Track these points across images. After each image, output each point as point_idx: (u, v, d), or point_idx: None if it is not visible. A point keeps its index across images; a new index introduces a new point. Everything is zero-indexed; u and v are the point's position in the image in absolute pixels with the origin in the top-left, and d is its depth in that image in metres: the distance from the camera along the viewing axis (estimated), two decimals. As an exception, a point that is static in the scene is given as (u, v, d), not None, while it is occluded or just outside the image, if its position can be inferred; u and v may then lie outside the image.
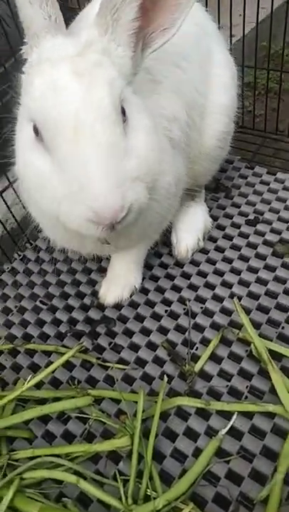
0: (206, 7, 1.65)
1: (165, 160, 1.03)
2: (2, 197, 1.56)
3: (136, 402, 1.10)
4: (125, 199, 0.79)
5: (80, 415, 1.15)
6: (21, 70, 0.93)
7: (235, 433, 1.07)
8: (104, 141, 0.78)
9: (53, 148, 0.81)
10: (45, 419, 1.17)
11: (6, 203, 1.58)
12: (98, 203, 0.77)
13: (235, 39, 1.98)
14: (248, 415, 1.09)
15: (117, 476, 1.01)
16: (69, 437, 1.14)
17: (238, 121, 1.79)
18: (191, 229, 1.49)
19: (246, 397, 1.13)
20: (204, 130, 1.30)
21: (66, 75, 0.80)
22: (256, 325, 1.25)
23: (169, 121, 1.10)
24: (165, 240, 1.54)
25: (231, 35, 1.83)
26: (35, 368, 1.30)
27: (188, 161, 1.26)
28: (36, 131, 0.84)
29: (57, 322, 1.41)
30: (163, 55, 0.95)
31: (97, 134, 0.78)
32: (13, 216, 1.62)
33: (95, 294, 1.47)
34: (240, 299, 1.33)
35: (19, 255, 1.64)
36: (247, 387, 1.15)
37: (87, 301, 1.46)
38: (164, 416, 1.12)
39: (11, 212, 1.61)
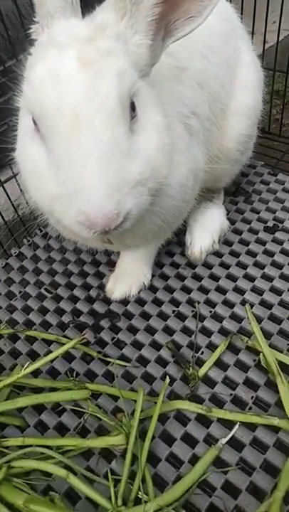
0: (242, 12, 1.65)
1: (180, 150, 0.99)
2: (16, 180, 1.55)
3: (134, 401, 1.07)
4: (122, 206, 0.73)
5: (76, 408, 1.12)
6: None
7: (235, 444, 1.04)
8: (104, 140, 0.72)
9: (50, 143, 0.77)
10: (39, 408, 1.15)
11: (19, 187, 1.57)
12: (91, 209, 0.71)
13: (268, 45, 1.98)
14: (251, 427, 1.06)
15: (109, 475, 0.98)
16: (62, 430, 1.11)
17: (263, 127, 1.78)
18: (207, 230, 1.47)
19: (250, 408, 1.10)
20: (226, 131, 1.28)
21: (72, 63, 0.74)
22: (267, 335, 1.22)
23: (188, 111, 1.07)
24: (178, 239, 1.52)
25: (265, 41, 1.83)
26: (33, 356, 1.28)
27: (207, 155, 1.23)
28: (35, 121, 0.80)
29: (60, 312, 1.39)
30: (190, 43, 0.90)
31: (97, 132, 0.72)
32: (26, 201, 1.61)
33: (101, 287, 1.45)
34: (252, 306, 1.30)
35: (28, 241, 1.63)
36: (252, 397, 1.12)
37: (93, 293, 1.44)
38: (163, 418, 1.09)
39: (24, 196, 1.59)
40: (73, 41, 0.78)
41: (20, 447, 1.04)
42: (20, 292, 1.48)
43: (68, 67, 0.74)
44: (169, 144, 0.87)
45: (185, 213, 1.24)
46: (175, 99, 1.01)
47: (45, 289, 1.47)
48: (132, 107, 0.79)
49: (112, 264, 1.48)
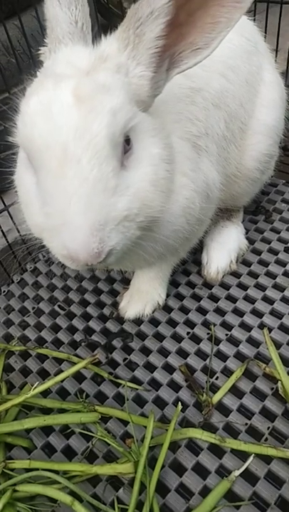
0: (266, 30, 1.66)
1: (184, 172, 0.99)
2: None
3: (145, 427, 1.06)
4: (105, 243, 0.75)
5: (84, 432, 1.12)
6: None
7: (249, 477, 1.01)
8: (90, 178, 0.73)
9: (39, 176, 0.79)
10: (47, 430, 1.15)
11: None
12: (73, 245, 0.74)
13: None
14: (266, 459, 1.03)
15: (115, 503, 0.97)
16: (70, 453, 1.11)
17: (286, 145, 1.77)
18: (224, 249, 1.46)
19: (266, 440, 1.07)
20: (245, 150, 1.28)
21: (66, 97, 0.75)
22: (286, 361, 1.19)
23: (199, 132, 1.07)
24: (195, 258, 1.51)
25: (289, 59, 1.84)
26: (44, 374, 1.29)
27: (224, 174, 1.24)
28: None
29: (72, 329, 1.40)
30: (208, 62, 0.90)
31: (84, 170, 0.73)
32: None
33: (115, 305, 1.45)
34: (270, 330, 1.28)
35: (44, 256, 1.65)
36: (268, 428, 1.09)
37: (106, 311, 1.44)
38: (174, 446, 1.08)
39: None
40: (72, 73, 0.80)
41: (27, 470, 1.04)
42: (33, 308, 1.49)
43: (62, 102, 0.75)
44: (165, 176, 0.87)
45: (199, 233, 1.24)
46: (184, 119, 1.02)
47: (59, 306, 1.49)
48: (127, 142, 0.81)
49: (126, 282, 1.49)
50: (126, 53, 0.82)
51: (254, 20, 1.36)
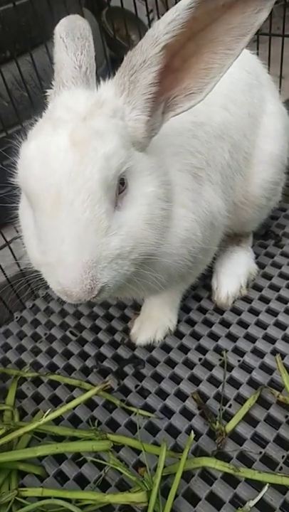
0: (269, 57, 1.75)
1: (183, 204, 1.02)
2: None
3: (158, 456, 1.07)
4: (97, 280, 0.79)
5: (97, 460, 1.13)
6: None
7: (264, 507, 1.01)
8: (82, 220, 0.78)
9: (35, 216, 0.84)
10: (59, 458, 1.16)
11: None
12: (67, 283, 0.79)
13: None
14: (282, 489, 1.03)
15: (129, 534, 0.97)
16: (82, 482, 1.12)
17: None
18: (233, 275, 1.49)
19: (281, 469, 1.07)
20: (251, 178, 1.33)
21: (62, 142, 0.80)
22: (299, 388, 1.20)
23: (200, 164, 1.10)
24: (205, 283, 1.54)
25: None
26: (56, 401, 1.31)
27: (231, 202, 1.28)
28: None
29: (84, 355, 1.43)
30: (210, 97, 0.96)
31: (76, 212, 0.77)
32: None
33: (126, 331, 1.48)
34: (283, 356, 1.29)
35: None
36: (283, 457, 1.09)
37: (117, 337, 1.47)
38: (187, 476, 1.08)
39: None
40: (69, 118, 0.85)
41: (39, 498, 1.05)
42: (45, 334, 1.53)
43: (58, 147, 0.80)
44: (160, 213, 0.91)
45: (206, 260, 1.27)
46: (184, 152, 1.06)
47: (70, 332, 1.52)
48: (122, 182, 0.85)
49: (137, 308, 1.52)
50: (122, 98, 0.88)
51: (257, 53, 1.44)
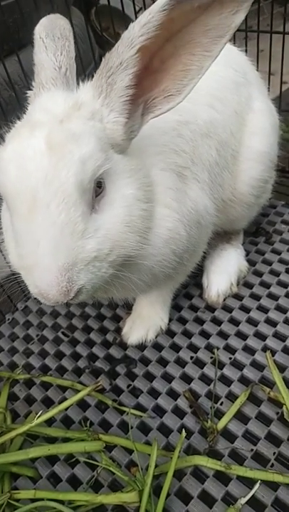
0: (258, 54, 1.74)
1: (166, 204, 1.01)
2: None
3: (150, 455, 1.07)
4: (73, 283, 0.80)
5: (89, 461, 1.13)
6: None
7: (256, 504, 1.01)
8: (58, 223, 0.78)
9: (12, 220, 0.84)
10: (52, 459, 1.16)
11: None
12: (43, 286, 0.79)
13: (286, 86, 2.05)
14: (273, 486, 1.03)
15: (121, 534, 0.98)
16: (75, 483, 1.12)
17: (284, 166, 1.82)
18: (224, 272, 1.49)
19: (272, 465, 1.08)
20: (238, 175, 1.32)
21: (39, 145, 0.79)
22: (290, 385, 1.20)
23: (184, 163, 1.10)
24: (196, 281, 1.54)
25: (282, 82, 1.91)
26: (48, 403, 1.31)
27: (220, 199, 1.28)
28: None
29: (76, 356, 1.43)
30: (196, 95, 0.94)
31: (52, 215, 0.78)
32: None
33: (118, 330, 1.48)
34: (274, 353, 1.29)
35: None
36: (274, 454, 1.10)
37: (109, 337, 1.47)
38: (179, 475, 1.09)
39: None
40: (47, 120, 0.84)
41: (32, 500, 1.05)
42: (37, 335, 1.53)
43: (34, 150, 0.79)
44: (140, 215, 0.91)
45: (194, 259, 1.27)
46: (168, 151, 1.05)
47: (62, 333, 1.52)
48: (99, 185, 0.85)
49: (129, 307, 1.52)
50: (100, 100, 0.87)
51: (246, 50, 1.44)
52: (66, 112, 0.86)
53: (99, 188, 0.85)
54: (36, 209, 0.78)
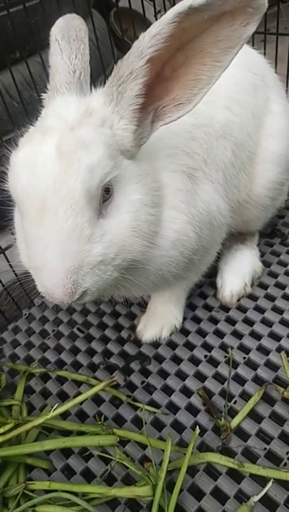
0: (276, 56, 1.74)
1: (174, 206, 1.02)
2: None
3: (163, 450, 1.08)
4: (78, 285, 0.82)
5: (103, 454, 1.14)
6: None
7: (268, 502, 1.01)
8: (65, 228, 0.80)
9: (23, 222, 0.87)
10: (66, 452, 1.18)
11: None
12: (50, 286, 0.82)
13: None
14: (286, 485, 1.03)
15: (134, 527, 0.98)
16: (89, 476, 1.13)
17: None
18: (238, 273, 1.50)
19: (285, 465, 1.07)
20: (254, 177, 1.32)
21: (49, 151, 0.81)
22: (304, 385, 1.20)
23: (196, 165, 1.10)
24: (211, 281, 1.55)
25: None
26: (63, 397, 1.33)
27: (235, 201, 1.28)
28: None
29: (91, 352, 1.45)
30: (213, 98, 0.93)
31: (60, 220, 0.80)
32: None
33: (133, 328, 1.49)
34: (288, 353, 1.29)
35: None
36: (287, 453, 1.09)
37: (124, 334, 1.48)
38: (192, 471, 1.09)
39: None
40: (58, 126, 0.86)
41: (46, 491, 1.07)
42: (53, 331, 1.55)
43: (45, 156, 0.81)
44: (147, 219, 0.92)
45: (208, 259, 1.27)
46: (180, 153, 1.06)
47: (78, 329, 1.54)
48: (107, 191, 0.86)
49: (143, 305, 1.53)
50: (110, 108, 0.89)
51: (264, 53, 1.44)
52: (77, 118, 0.87)
53: (107, 193, 0.86)
54: (45, 214, 0.80)
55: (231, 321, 1.44)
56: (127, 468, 1.10)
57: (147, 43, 0.80)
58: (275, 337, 1.36)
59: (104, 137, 0.86)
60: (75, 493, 1.05)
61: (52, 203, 0.80)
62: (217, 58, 0.84)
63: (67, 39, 1.02)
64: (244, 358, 1.32)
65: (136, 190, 0.91)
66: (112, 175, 0.85)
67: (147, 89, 0.86)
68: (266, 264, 1.57)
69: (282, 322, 1.40)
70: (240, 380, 1.27)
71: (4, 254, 1.49)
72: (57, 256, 0.80)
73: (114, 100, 0.88)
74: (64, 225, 0.80)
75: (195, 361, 1.35)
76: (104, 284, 0.88)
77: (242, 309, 1.47)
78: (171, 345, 1.41)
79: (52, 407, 1.17)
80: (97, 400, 1.29)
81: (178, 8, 0.76)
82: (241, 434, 1.15)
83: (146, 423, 1.20)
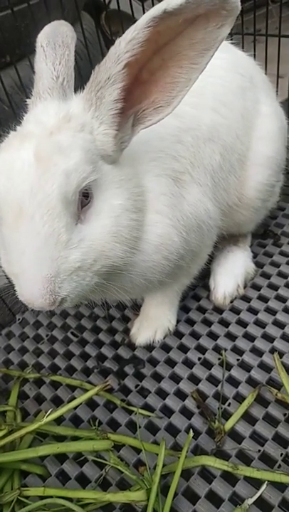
0: (266, 57, 1.74)
1: (157, 210, 1.01)
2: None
3: (158, 454, 1.08)
4: (56, 293, 0.81)
5: (98, 459, 1.14)
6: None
7: (263, 504, 1.01)
8: (42, 233, 0.79)
9: (1, 227, 0.85)
10: (61, 457, 1.18)
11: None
12: (27, 294, 0.82)
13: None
14: (280, 487, 1.03)
15: (129, 532, 0.98)
16: (83, 481, 1.13)
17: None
18: (230, 274, 1.50)
19: (279, 466, 1.08)
20: (245, 180, 1.32)
21: (27, 157, 0.81)
22: (297, 386, 1.20)
23: (183, 168, 1.09)
24: (204, 283, 1.55)
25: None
26: (57, 402, 1.33)
27: (226, 204, 1.28)
28: None
29: (85, 356, 1.44)
30: (200, 101, 0.91)
31: (36, 225, 0.79)
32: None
33: (126, 331, 1.49)
34: (281, 355, 1.29)
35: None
36: (281, 454, 1.10)
37: (118, 337, 1.48)
38: (187, 474, 1.09)
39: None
40: (37, 132, 0.86)
41: (41, 497, 1.06)
42: (47, 335, 1.55)
43: (23, 162, 0.81)
44: (128, 225, 0.92)
45: (199, 262, 1.27)
46: (165, 156, 1.05)
47: (72, 333, 1.53)
48: (86, 196, 0.86)
49: (137, 308, 1.53)
50: (90, 113, 0.88)
51: (254, 55, 1.44)
52: (57, 123, 0.87)
53: (86, 199, 0.86)
54: (22, 219, 0.80)
55: (225, 323, 1.44)
56: (122, 472, 1.10)
57: (123, 48, 0.80)
58: (268, 338, 1.36)
59: (82, 142, 0.85)
60: (70, 499, 1.05)
61: (28, 209, 0.79)
62: (193, 60, 0.84)
63: (53, 45, 1.01)
64: (237, 359, 1.32)
65: (117, 195, 0.91)
66: (90, 179, 0.84)
67: (126, 93, 0.86)
68: (259, 265, 1.58)
69: (275, 323, 1.40)
70: (233, 382, 1.28)
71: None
72: (33, 263, 0.80)
73: (94, 105, 0.87)
74: (40, 230, 0.79)
75: (189, 364, 1.35)
76: (83, 290, 0.88)
77: (235, 311, 1.47)
78: (165, 348, 1.41)
79: (46, 413, 1.16)
80: (91, 404, 1.29)
81: (152, 12, 0.75)
82: (235, 436, 1.16)
83: (140, 427, 1.20)
